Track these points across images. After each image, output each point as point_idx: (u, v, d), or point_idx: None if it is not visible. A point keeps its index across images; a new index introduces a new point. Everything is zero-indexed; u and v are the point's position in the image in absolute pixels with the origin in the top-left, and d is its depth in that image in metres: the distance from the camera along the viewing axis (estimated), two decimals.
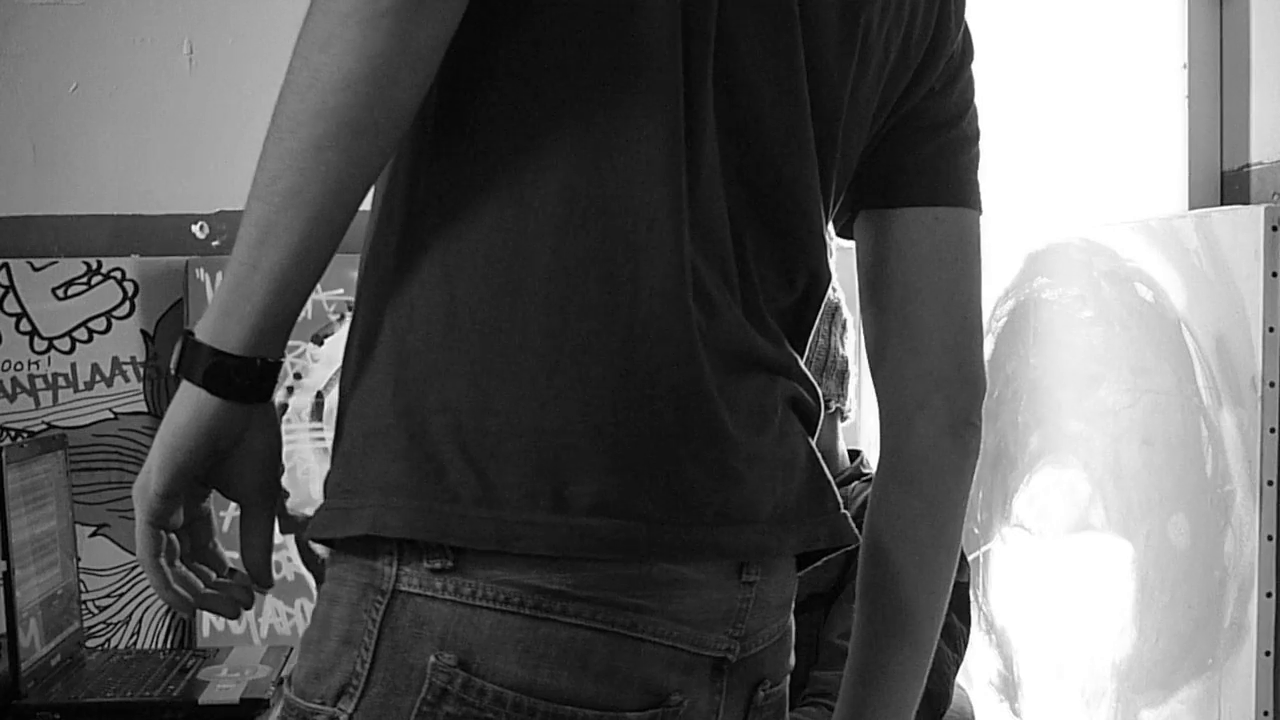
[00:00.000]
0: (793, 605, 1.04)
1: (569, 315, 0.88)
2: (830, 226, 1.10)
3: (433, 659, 0.87)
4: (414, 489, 0.87)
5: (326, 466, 0.94)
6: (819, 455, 1.02)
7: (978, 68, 1.15)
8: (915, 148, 1.10)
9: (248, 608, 0.98)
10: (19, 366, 2.49)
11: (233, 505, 0.93)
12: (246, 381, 0.87)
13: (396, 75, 0.83)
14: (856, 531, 1.03)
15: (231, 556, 0.97)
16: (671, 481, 0.90)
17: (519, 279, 0.88)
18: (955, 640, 1.71)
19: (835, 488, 1.03)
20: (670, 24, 0.91)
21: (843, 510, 1.02)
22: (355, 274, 0.96)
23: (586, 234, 0.88)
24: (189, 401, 0.88)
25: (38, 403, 2.49)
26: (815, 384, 1.04)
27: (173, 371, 0.89)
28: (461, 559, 0.87)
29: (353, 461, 0.90)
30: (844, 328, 1.87)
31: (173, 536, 0.93)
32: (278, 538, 0.97)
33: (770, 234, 0.98)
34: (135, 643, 2.48)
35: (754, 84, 0.95)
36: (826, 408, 1.80)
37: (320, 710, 0.89)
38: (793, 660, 1.06)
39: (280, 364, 0.89)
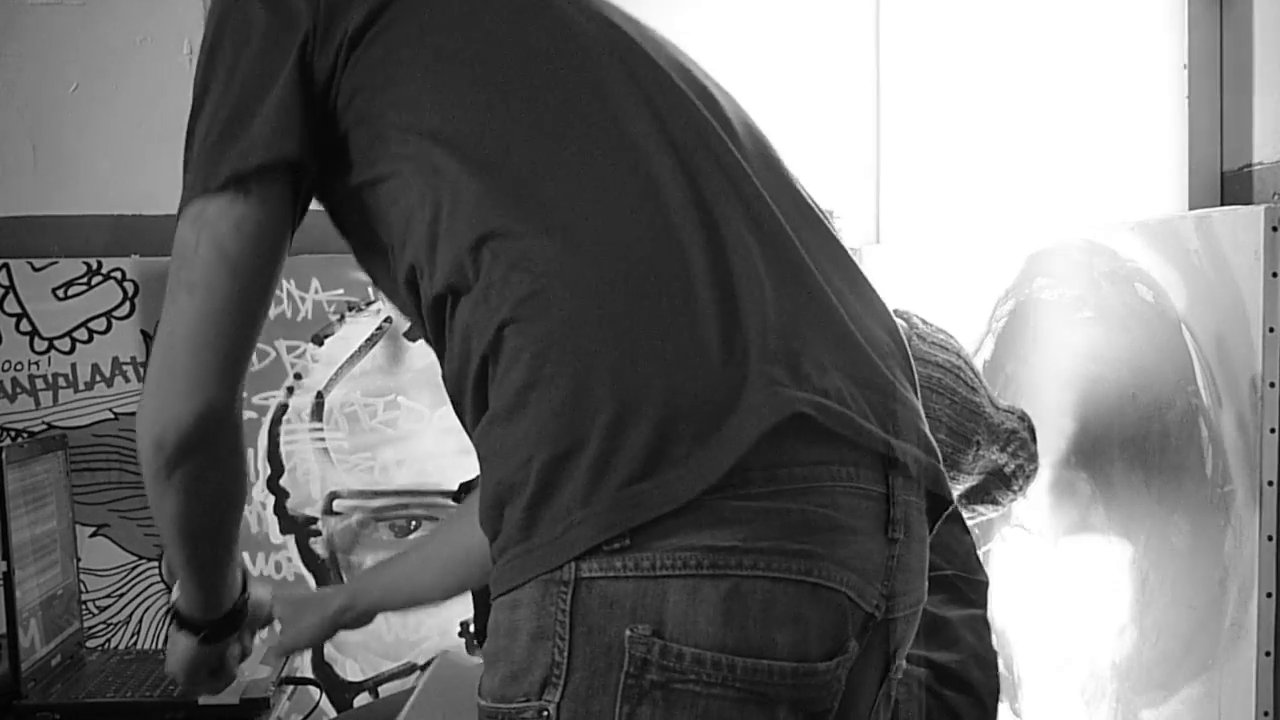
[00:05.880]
0: (927, 575, 1.06)
1: None
2: None
3: (628, 632, 0.91)
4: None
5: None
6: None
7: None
8: None
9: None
10: (19, 366, 2.49)
11: None
12: (208, 630, 1.25)
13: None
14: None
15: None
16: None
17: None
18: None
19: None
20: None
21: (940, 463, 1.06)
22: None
23: None
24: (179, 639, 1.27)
25: (38, 403, 2.49)
26: None
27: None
28: (637, 535, 0.91)
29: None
30: None
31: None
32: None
33: None
34: (135, 643, 2.48)
35: None
36: None
37: (526, 707, 0.93)
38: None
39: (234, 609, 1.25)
